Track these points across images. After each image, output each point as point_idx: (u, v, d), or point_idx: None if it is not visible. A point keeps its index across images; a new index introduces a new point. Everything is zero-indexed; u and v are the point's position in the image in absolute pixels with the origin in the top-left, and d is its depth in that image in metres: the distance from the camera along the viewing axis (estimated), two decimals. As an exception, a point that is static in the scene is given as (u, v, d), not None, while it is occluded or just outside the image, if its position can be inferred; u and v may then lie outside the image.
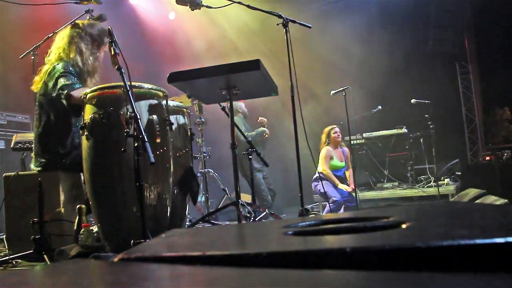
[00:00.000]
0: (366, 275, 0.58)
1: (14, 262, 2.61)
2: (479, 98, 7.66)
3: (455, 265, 0.60)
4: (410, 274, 0.59)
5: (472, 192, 5.29)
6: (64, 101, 2.88)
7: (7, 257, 2.65)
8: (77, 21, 3.19)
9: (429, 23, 7.32)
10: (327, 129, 5.84)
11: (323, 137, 5.82)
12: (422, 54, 7.40)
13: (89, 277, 0.58)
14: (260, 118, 5.89)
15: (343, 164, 5.73)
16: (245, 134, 3.77)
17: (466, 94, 7.74)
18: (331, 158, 5.62)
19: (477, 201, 4.74)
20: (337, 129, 5.80)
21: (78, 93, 2.79)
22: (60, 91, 2.87)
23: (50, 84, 2.95)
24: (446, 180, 6.30)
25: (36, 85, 3.08)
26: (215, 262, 0.65)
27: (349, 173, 5.81)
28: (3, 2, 3.10)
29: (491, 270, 0.59)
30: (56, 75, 2.93)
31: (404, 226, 0.82)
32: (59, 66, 2.98)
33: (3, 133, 4.92)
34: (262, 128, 5.77)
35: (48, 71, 3.01)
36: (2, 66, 5.05)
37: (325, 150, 5.64)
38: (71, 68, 2.99)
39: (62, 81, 2.89)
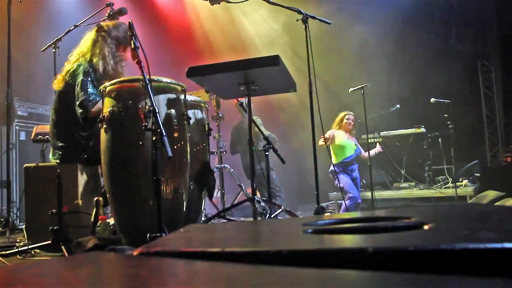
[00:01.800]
0: (387, 276, 0.57)
1: (32, 252, 2.66)
2: (501, 98, 7.49)
3: (482, 269, 0.59)
4: (433, 276, 0.57)
5: (491, 194, 5.19)
6: (80, 115, 2.94)
7: (26, 247, 2.69)
8: (102, 24, 3.19)
9: (450, 21, 7.19)
10: (342, 114, 5.81)
11: (337, 120, 5.79)
12: (443, 53, 7.27)
13: (110, 270, 0.58)
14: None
15: (352, 145, 5.69)
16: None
17: (487, 94, 7.58)
18: (334, 138, 5.59)
19: (496, 203, 4.65)
20: (351, 116, 5.75)
21: (96, 108, 2.89)
22: (79, 108, 2.93)
23: (73, 82, 3.00)
24: (464, 181, 6.19)
25: (59, 84, 3.12)
26: (234, 258, 0.64)
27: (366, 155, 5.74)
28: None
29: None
30: (78, 79, 2.98)
31: (426, 227, 0.81)
32: (81, 68, 3.01)
33: (24, 124, 5.00)
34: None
35: (71, 70, 3.05)
36: (24, 59, 5.13)
37: (330, 131, 5.63)
38: (91, 71, 3.02)
39: (81, 96, 2.94)
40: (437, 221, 0.86)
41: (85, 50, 3.12)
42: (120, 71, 3.14)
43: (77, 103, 2.93)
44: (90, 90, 2.96)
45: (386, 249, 0.63)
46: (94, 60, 3.06)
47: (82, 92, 2.94)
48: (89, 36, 3.17)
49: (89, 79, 2.99)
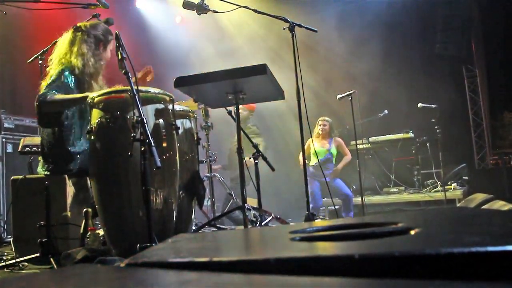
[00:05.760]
0: (374, 283, 0.57)
1: (20, 265, 2.62)
2: (486, 102, 7.60)
3: (466, 273, 0.59)
4: (420, 282, 0.58)
5: (479, 197, 5.23)
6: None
7: (14, 260, 2.66)
8: (79, 24, 3.16)
9: (435, 26, 7.29)
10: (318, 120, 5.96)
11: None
12: (429, 58, 7.37)
13: (96, 282, 0.58)
14: None
15: (322, 152, 5.82)
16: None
17: (473, 98, 7.69)
18: (309, 147, 5.69)
19: (485, 206, 4.69)
20: (322, 122, 5.89)
21: (49, 99, 2.80)
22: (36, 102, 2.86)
23: None
24: (453, 185, 6.25)
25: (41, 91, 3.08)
26: (222, 268, 0.64)
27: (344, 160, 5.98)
28: (11, 7, 3.11)
29: (503, 278, 0.58)
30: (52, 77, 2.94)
31: (413, 232, 0.81)
32: (54, 73, 2.97)
33: (10, 136, 4.94)
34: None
35: (54, 75, 3.01)
36: (11, 70, 5.09)
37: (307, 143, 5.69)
38: (66, 73, 2.94)
39: (42, 89, 2.89)
40: (424, 226, 0.87)
41: (63, 51, 3.05)
42: (99, 69, 3.10)
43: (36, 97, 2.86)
44: (53, 87, 2.87)
45: (372, 255, 0.64)
46: (73, 59, 2.98)
47: (45, 89, 2.86)
48: (66, 37, 3.11)
49: (56, 81, 2.92)
